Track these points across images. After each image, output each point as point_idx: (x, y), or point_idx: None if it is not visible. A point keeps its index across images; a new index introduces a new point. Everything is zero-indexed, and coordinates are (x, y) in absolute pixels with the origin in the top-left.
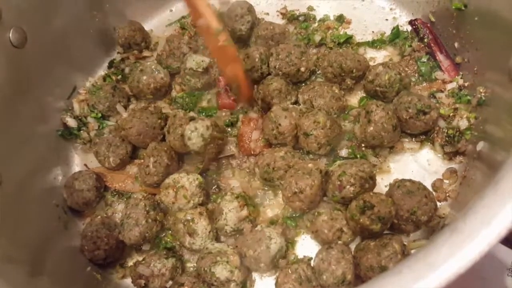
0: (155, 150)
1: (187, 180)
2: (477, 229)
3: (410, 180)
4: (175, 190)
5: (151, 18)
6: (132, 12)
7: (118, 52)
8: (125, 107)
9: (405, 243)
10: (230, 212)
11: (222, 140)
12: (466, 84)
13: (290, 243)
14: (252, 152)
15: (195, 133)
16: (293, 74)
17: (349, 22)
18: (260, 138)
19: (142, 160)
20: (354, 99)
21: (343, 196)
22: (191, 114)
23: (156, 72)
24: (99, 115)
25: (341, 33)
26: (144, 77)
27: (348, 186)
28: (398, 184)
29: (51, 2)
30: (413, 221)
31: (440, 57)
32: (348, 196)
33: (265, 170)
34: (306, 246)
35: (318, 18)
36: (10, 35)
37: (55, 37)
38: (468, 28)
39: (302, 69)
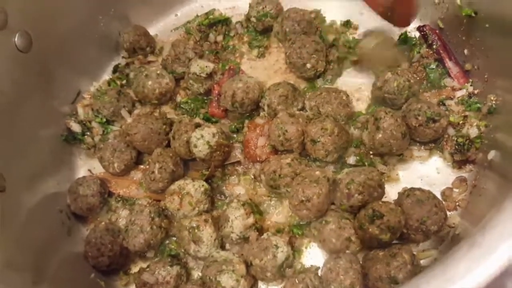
0: (160, 156)
1: (193, 187)
2: (496, 243)
3: (419, 189)
4: (180, 196)
5: (156, 23)
6: (137, 16)
7: (123, 57)
8: (130, 112)
9: (414, 252)
10: (236, 220)
11: (228, 147)
12: (476, 92)
13: (296, 252)
14: (258, 159)
15: (201, 140)
16: (298, 67)
17: (356, 28)
18: (266, 145)
19: (147, 166)
20: (362, 106)
21: (351, 204)
22: (197, 120)
23: (161, 77)
24: (104, 120)
25: (350, 38)
26: (149, 82)
27: (356, 195)
28: (408, 193)
29: (57, 7)
30: (423, 230)
31: (449, 64)
32: (356, 204)
33: (271, 177)
34: (313, 255)
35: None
36: (16, 39)
37: (60, 42)
38: (478, 34)
39: (308, 65)
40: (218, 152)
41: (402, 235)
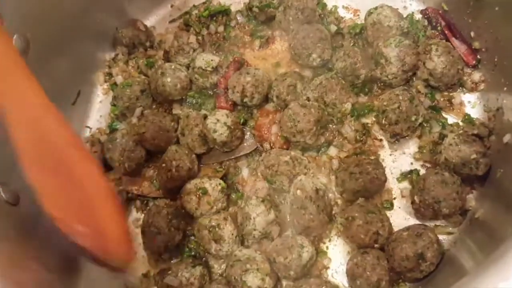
0: (177, 154)
1: (210, 186)
2: None
3: (450, 172)
4: (198, 196)
5: (152, 15)
6: (133, 10)
7: (122, 53)
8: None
9: None
10: (258, 217)
11: (242, 126)
12: (483, 79)
13: (320, 253)
14: (271, 145)
15: (219, 124)
16: (304, 58)
17: (357, 12)
18: (279, 135)
19: (163, 165)
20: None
21: None
22: (203, 112)
23: (178, 71)
24: (117, 111)
25: (354, 23)
26: (169, 79)
27: None
28: (437, 171)
29: (51, 6)
30: (434, 209)
31: (455, 42)
32: None
33: (269, 171)
34: (333, 254)
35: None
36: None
37: (57, 42)
38: (486, 16)
39: (314, 55)
40: (237, 130)
41: (413, 205)
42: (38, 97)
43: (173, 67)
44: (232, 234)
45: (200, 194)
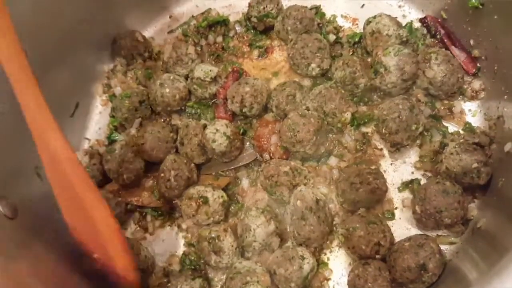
0: (175, 163)
1: (212, 196)
2: None
3: (451, 182)
4: (197, 204)
5: (151, 26)
6: (131, 21)
7: (120, 65)
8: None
9: None
10: (259, 228)
11: (241, 136)
12: (483, 87)
13: (321, 264)
14: (271, 155)
15: (218, 134)
16: (303, 68)
17: (356, 21)
18: (279, 145)
19: (162, 174)
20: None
21: None
22: (203, 122)
23: (177, 82)
24: (116, 123)
25: (353, 32)
26: (167, 90)
27: None
28: (438, 181)
29: (49, 18)
30: (435, 219)
31: (455, 51)
32: None
33: (268, 182)
34: (334, 266)
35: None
36: None
37: (55, 53)
38: (485, 25)
39: (313, 65)
40: (236, 140)
41: (414, 216)
42: (59, 141)
43: (171, 77)
44: (232, 246)
45: (200, 203)
